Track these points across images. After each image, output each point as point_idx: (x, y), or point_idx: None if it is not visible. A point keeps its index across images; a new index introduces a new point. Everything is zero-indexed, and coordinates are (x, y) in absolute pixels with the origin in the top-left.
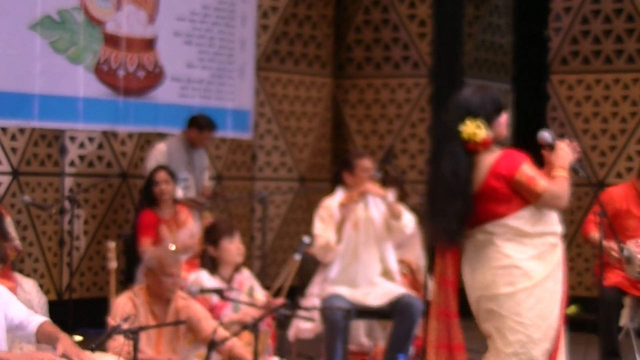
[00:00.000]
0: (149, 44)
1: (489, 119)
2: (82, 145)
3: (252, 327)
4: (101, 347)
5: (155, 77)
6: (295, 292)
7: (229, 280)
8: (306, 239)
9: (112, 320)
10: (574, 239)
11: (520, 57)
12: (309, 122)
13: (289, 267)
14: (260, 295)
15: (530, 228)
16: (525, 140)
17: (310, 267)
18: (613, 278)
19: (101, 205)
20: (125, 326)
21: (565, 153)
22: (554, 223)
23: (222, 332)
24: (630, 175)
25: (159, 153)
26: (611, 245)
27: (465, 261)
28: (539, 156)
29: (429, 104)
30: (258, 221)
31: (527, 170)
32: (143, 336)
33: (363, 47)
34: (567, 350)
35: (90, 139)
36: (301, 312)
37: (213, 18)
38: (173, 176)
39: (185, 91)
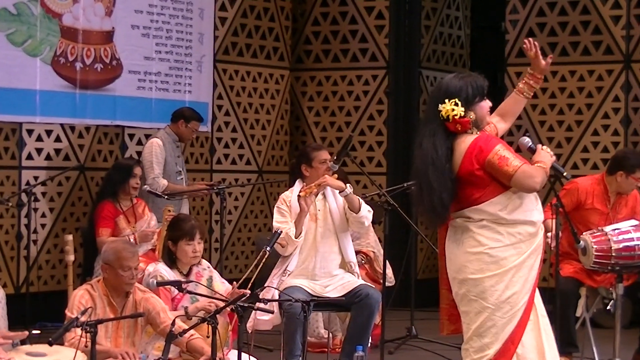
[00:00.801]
0: (106, 37)
1: (468, 102)
2: (39, 139)
3: (211, 318)
4: (59, 341)
5: (112, 69)
6: (254, 285)
7: (187, 274)
8: (279, 231)
9: (70, 314)
10: None
11: (477, 49)
12: (267, 114)
13: (259, 259)
14: (220, 285)
15: (507, 215)
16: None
17: (269, 259)
18: (569, 269)
19: (59, 199)
20: (83, 319)
21: (546, 153)
22: (533, 212)
23: (180, 325)
24: (586, 167)
25: (158, 148)
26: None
27: (446, 242)
28: None
29: (387, 95)
30: (216, 213)
31: (500, 151)
32: (101, 329)
33: (321, 39)
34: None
35: (48, 132)
36: (260, 305)
37: (170, 10)
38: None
39: (143, 84)
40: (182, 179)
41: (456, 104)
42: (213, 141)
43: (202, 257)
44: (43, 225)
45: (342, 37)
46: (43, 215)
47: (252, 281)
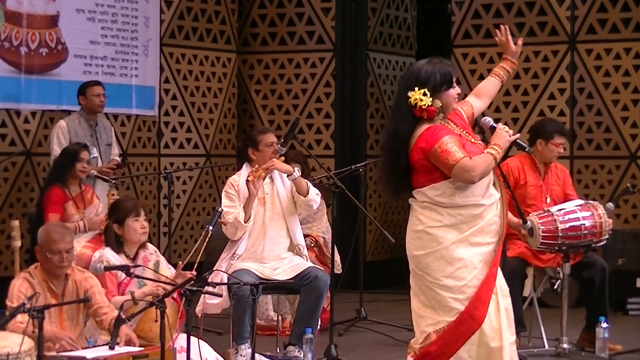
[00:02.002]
0: (51, 21)
1: (436, 90)
2: None
3: (158, 302)
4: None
5: (58, 54)
6: (202, 268)
7: (133, 258)
8: (219, 209)
9: (10, 303)
10: None
11: (423, 31)
12: (214, 98)
13: (201, 238)
14: (166, 270)
15: (446, 199)
16: None
17: (218, 243)
18: (516, 249)
19: (5, 184)
20: (28, 305)
21: (504, 133)
22: (479, 195)
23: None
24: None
25: (59, 129)
26: (511, 218)
27: None
28: None
29: (334, 78)
30: (164, 198)
31: (445, 144)
32: (45, 314)
33: (267, 21)
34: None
35: None
36: (208, 288)
37: None
38: None
39: (89, 68)
40: (94, 157)
41: (425, 94)
42: (160, 125)
43: (152, 242)
44: None
45: (289, 19)
46: None
47: (197, 262)
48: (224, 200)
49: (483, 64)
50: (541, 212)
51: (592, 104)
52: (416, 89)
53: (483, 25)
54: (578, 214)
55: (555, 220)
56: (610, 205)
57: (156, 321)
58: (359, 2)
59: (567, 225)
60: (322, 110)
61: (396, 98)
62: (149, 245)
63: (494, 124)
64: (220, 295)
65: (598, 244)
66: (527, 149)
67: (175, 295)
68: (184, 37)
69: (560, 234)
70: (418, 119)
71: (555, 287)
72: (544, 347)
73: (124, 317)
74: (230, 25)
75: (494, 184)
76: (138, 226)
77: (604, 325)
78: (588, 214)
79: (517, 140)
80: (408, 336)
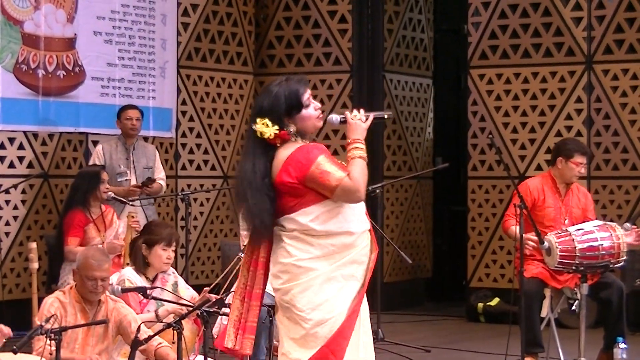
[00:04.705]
0: (68, 44)
1: (281, 117)
2: (2, 146)
3: (176, 324)
4: (25, 349)
5: (75, 76)
6: (219, 290)
7: (152, 280)
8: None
9: (38, 320)
10: (495, 231)
11: (440, 52)
12: (231, 120)
13: (232, 265)
14: (185, 290)
15: (318, 226)
16: (446, 134)
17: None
18: (533, 269)
19: (23, 207)
20: (47, 327)
21: (359, 124)
22: (352, 221)
23: (145, 331)
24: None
25: (95, 154)
26: (529, 236)
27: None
28: (463, 147)
29: (351, 99)
30: (181, 219)
31: (321, 164)
32: (70, 337)
33: (284, 43)
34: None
35: (11, 140)
36: (225, 310)
37: (133, 16)
38: None
39: (106, 90)
40: (127, 180)
41: (266, 125)
42: (177, 147)
43: None
44: (7, 234)
45: (306, 41)
46: (7, 224)
47: (224, 287)
48: (242, 223)
49: (500, 84)
50: (559, 231)
51: (609, 125)
52: (258, 120)
53: (500, 45)
54: (596, 234)
55: (573, 240)
56: (628, 225)
57: (173, 342)
58: (375, 23)
59: (585, 245)
60: (339, 132)
61: (247, 133)
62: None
63: (343, 117)
64: None
65: (616, 265)
66: (386, 116)
67: (195, 317)
68: (201, 59)
69: (578, 254)
70: (273, 146)
71: (573, 307)
72: None
73: (140, 339)
74: (247, 47)
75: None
76: (165, 255)
77: (622, 345)
78: (606, 234)
79: (375, 115)
80: (425, 357)
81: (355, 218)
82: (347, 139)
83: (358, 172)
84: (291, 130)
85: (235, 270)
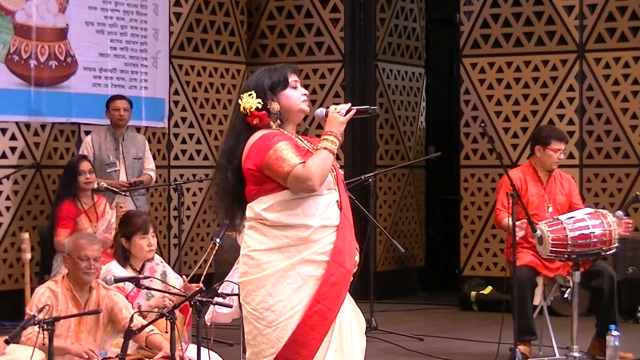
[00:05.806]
0: (60, 34)
1: (267, 92)
2: None
3: (169, 314)
4: (18, 340)
5: (67, 67)
6: (213, 279)
7: (140, 270)
8: (227, 221)
9: (29, 311)
10: (488, 220)
11: (432, 41)
12: (223, 109)
13: (209, 251)
14: (174, 279)
15: (271, 215)
16: (439, 123)
17: (229, 254)
18: (525, 258)
19: (15, 197)
20: (40, 316)
21: (337, 116)
22: (311, 216)
23: (138, 320)
24: None
25: (84, 145)
26: (518, 223)
27: None
28: (455, 136)
29: (343, 89)
30: (174, 209)
31: (278, 150)
32: (63, 325)
33: (276, 33)
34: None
35: (3, 130)
36: (219, 299)
37: (125, 6)
38: (93, 167)
39: (99, 80)
40: (116, 171)
41: (250, 96)
42: (170, 137)
43: (162, 253)
44: None
45: (298, 30)
46: None
47: (204, 274)
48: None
49: (492, 73)
50: (550, 220)
51: (601, 113)
52: (244, 95)
53: (492, 34)
54: (587, 222)
55: (564, 228)
56: (620, 213)
57: (166, 332)
58: (367, 12)
59: (577, 233)
60: None
61: (234, 114)
62: (155, 255)
63: (327, 110)
64: (231, 306)
65: (607, 253)
66: (370, 109)
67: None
68: (193, 48)
69: (569, 242)
70: (253, 129)
71: (566, 295)
72: (555, 355)
73: (133, 329)
74: (239, 37)
75: (341, 208)
76: (145, 243)
77: (615, 333)
78: (597, 222)
79: (359, 108)
80: (418, 346)
81: (318, 213)
82: (323, 131)
83: (316, 161)
84: (275, 108)
85: (212, 257)
